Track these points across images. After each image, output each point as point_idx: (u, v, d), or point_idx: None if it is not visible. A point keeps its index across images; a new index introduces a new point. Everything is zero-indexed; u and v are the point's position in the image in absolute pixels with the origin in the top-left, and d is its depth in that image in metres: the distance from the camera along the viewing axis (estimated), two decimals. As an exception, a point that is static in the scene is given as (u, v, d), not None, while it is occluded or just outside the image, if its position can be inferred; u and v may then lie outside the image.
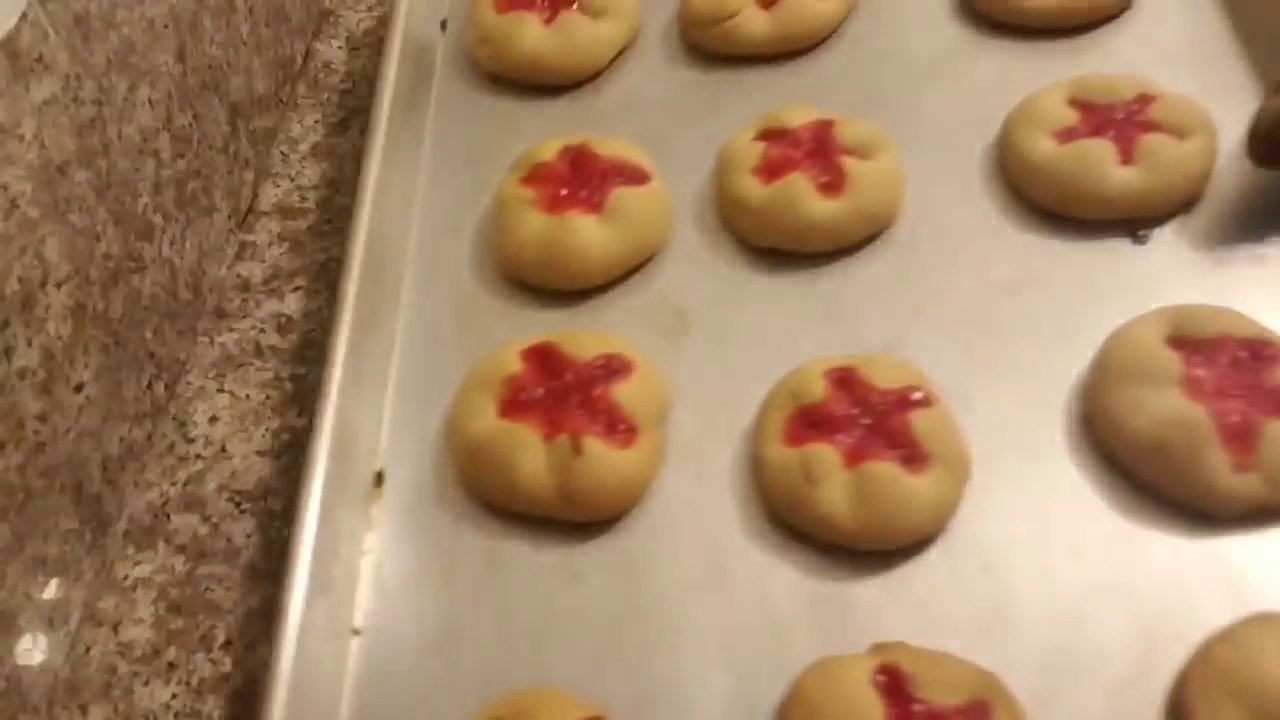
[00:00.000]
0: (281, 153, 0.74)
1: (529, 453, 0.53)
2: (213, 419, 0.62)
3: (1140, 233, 0.60)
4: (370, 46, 0.81)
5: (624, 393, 0.54)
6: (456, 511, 0.55)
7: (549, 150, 0.64)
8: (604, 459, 0.52)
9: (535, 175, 0.63)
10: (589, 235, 0.60)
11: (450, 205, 0.67)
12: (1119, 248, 0.60)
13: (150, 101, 0.60)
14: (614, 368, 0.55)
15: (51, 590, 0.52)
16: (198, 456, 0.60)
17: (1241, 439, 0.49)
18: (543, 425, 0.54)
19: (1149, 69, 0.65)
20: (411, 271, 0.64)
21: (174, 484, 0.59)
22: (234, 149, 0.69)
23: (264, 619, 0.54)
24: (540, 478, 0.53)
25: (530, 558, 0.53)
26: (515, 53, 0.71)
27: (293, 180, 0.73)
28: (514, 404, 0.55)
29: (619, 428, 0.54)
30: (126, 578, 0.56)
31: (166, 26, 0.62)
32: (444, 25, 0.77)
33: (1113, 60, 0.67)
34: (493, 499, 0.54)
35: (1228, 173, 0.61)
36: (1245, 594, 0.48)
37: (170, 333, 0.62)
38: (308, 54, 0.80)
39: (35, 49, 0.51)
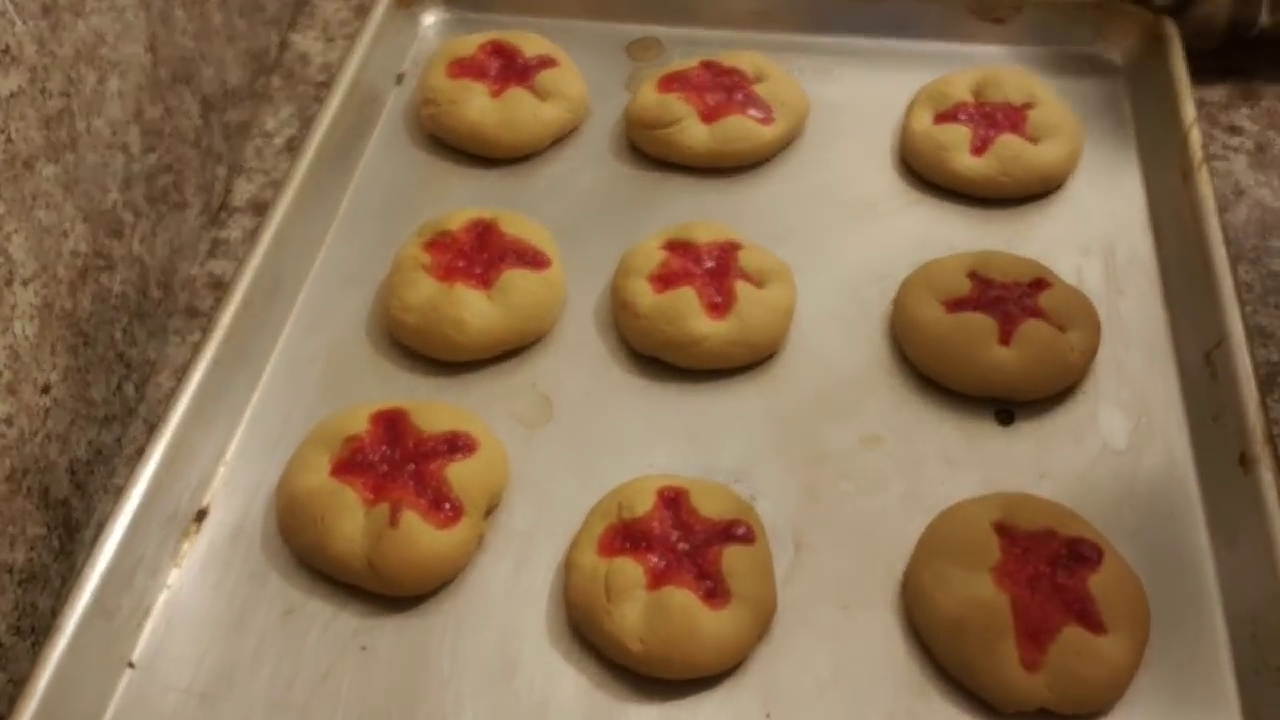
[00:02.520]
0: (256, 146, 0.74)
1: (348, 515, 0.53)
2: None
3: (1006, 413, 0.60)
4: (348, 38, 0.80)
5: (458, 472, 0.54)
6: (267, 563, 0.55)
7: (457, 220, 0.65)
8: (419, 535, 0.52)
9: (437, 242, 0.64)
10: (472, 309, 0.61)
11: (355, 257, 0.68)
12: (984, 424, 0.60)
13: (120, 94, 0.59)
14: (457, 445, 0.56)
15: (18, 599, 0.51)
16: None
17: (1037, 638, 0.48)
18: (369, 490, 0.54)
19: (1058, 251, 0.66)
20: (296, 315, 0.65)
21: None
22: (206, 142, 0.69)
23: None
24: (353, 542, 0.53)
25: (326, 622, 0.53)
26: (458, 119, 0.72)
27: (267, 175, 0.72)
28: (348, 465, 0.55)
29: (444, 506, 0.54)
30: None
31: (137, 16, 0.61)
32: (400, 79, 0.78)
33: (1027, 237, 0.68)
34: (305, 556, 0.54)
35: (1105, 368, 0.61)
36: (1008, 795, 0.47)
37: (140, 332, 0.61)
38: (283, 45, 0.80)
39: (2, 40, 0.50)
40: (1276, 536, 0.51)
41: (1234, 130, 0.68)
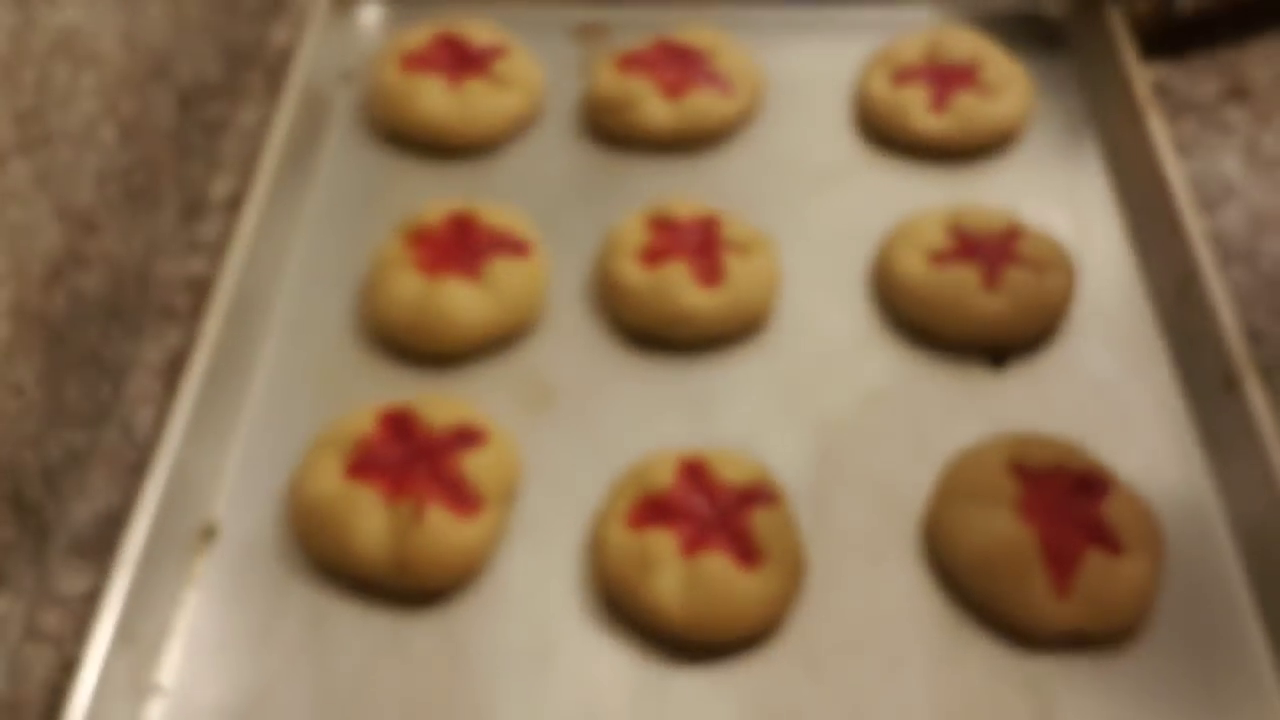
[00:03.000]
0: (234, 143, 0.71)
1: (370, 516, 0.52)
2: (137, 474, 0.56)
3: (999, 359, 0.62)
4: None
5: (474, 464, 0.54)
6: (287, 572, 0.53)
7: (435, 214, 0.64)
8: (444, 529, 0.52)
9: (417, 237, 0.63)
10: (462, 301, 0.60)
11: (330, 259, 0.67)
12: (979, 371, 0.61)
13: (94, 89, 0.58)
14: (468, 438, 0.55)
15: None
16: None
17: (1063, 565, 0.50)
18: (387, 489, 0.53)
19: (1024, 202, 0.68)
20: (278, 323, 0.63)
21: (118, 493, 0.56)
22: (183, 139, 0.67)
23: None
24: (377, 543, 0.52)
25: (356, 625, 0.52)
26: (415, 114, 0.71)
27: (245, 172, 0.69)
28: (361, 466, 0.54)
29: (465, 498, 0.53)
30: (69, 590, 0.53)
31: (111, 10, 0.59)
32: (347, 77, 0.77)
33: (992, 189, 0.70)
34: (327, 561, 0.53)
35: (1085, 308, 0.63)
36: (1054, 715, 0.48)
37: (116, 332, 0.59)
38: (261, 39, 0.78)
39: (-29, 33, 0.48)
40: (1270, 445, 0.53)
41: (1224, 128, 0.71)
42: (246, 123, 0.72)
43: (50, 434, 0.53)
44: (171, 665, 0.51)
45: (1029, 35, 0.78)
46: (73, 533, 0.54)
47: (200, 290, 0.63)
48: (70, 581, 0.53)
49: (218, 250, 0.65)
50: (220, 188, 0.69)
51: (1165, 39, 0.75)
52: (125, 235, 0.60)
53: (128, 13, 0.61)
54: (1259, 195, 0.67)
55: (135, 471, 0.56)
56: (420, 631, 0.52)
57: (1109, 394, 0.60)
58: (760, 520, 0.51)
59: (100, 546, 0.54)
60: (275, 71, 0.75)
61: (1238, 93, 0.74)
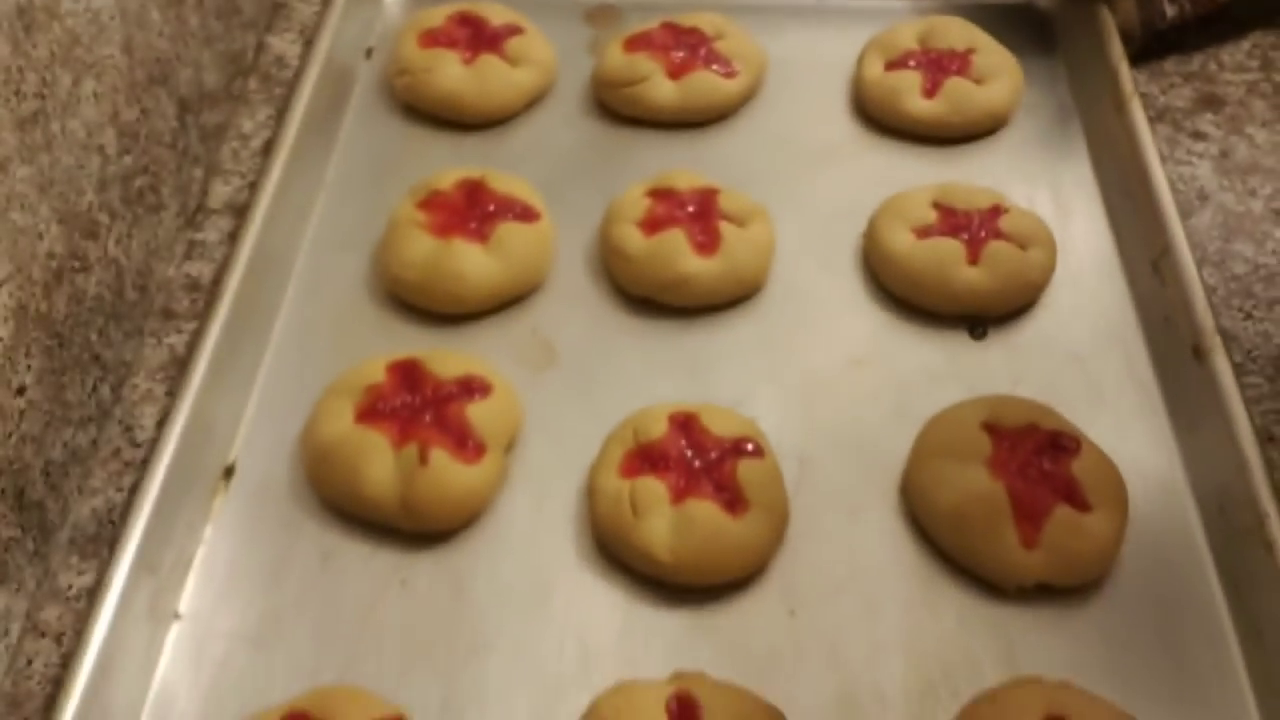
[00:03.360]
0: (232, 149, 0.73)
1: (378, 458, 0.55)
2: (159, 423, 0.59)
3: (979, 329, 0.64)
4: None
5: (478, 412, 0.57)
6: (300, 511, 0.57)
7: (447, 180, 0.67)
8: (448, 472, 0.55)
9: (430, 201, 0.66)
10: (471, 262, 0.63)
11: (348, 222, 0.70)
12: (959, 339, 0.64)
13: (95, 95, 0.59)
14: (473, 388, 0.58)
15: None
16: (144, 462, 0.57)
17: (1033, 519, 0.53)
18: (395, 434, 0.56)
19: (1010, 183, 0.71)
20: (297, 280, 0.67)
21: (119, 490, 0.57)
22: (183, 145, 0.69)
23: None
24: (385, 484, 0.55)
25: (363, 561, 0.55)
26: (432, 87, 0.74)
27: (244, 177, 0.72)
28: (371, 412, 0.57)
29: (468, 444, 0.56)
30: (70, 588, 0.54)
31: (113, 18, 0.61)
32: (369, 53, 0.80)
33: (979, 172, 0.72)
34: (337, 501, 0.56)
35: (1063, 284, 0.66)
36: (1018, 660, 0.52)
37: (116, 334, 0.61)
38: (260, 47, 0.80)
39: (-25, 42, 0.50)
40: (1233, 413, 0.56)
41: (1198, 136, 0.74)
42: (245, 129, 0.75)
43: (51, 433, 0.55)
44: (189, 594, 0.54)
45: (1021, 27, 0.81)
46: (74, 531, 0.56)
47: (200, 293, 0.65)
48: (71, 579, 0.54)
49: (217, 254, 0.67)
50: (219, 193, 0.71)
51: (1142, 48, 0.77)
52: (126, 239, 0.62)
53: (129, 21, 0.62)
54: (1231, 201, 0.70)
55: (136, 470, 0.58)
56: (423, 569, 0.55)
57: (1083, 363, 0.63)
58: (746, 471, 0.54)
59: (101, 544, 0.55)
60: (273, 79, 0.78)
61: (1211, 101, 0.76)
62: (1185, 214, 0.68)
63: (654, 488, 0.54)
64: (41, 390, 0.54)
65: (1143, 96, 0.74)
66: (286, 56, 0.79)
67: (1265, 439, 0.57)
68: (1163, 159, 0.70)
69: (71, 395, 0.57)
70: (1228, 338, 0.60)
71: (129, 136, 0.63)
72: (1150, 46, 0.78)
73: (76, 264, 0.57)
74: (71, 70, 0.57)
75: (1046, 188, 0.72)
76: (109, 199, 0.61)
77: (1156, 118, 0.74)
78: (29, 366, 0.53)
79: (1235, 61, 0.79)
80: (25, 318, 0.53)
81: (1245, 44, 0.80)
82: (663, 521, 0.53)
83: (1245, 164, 0.72)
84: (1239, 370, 0.59)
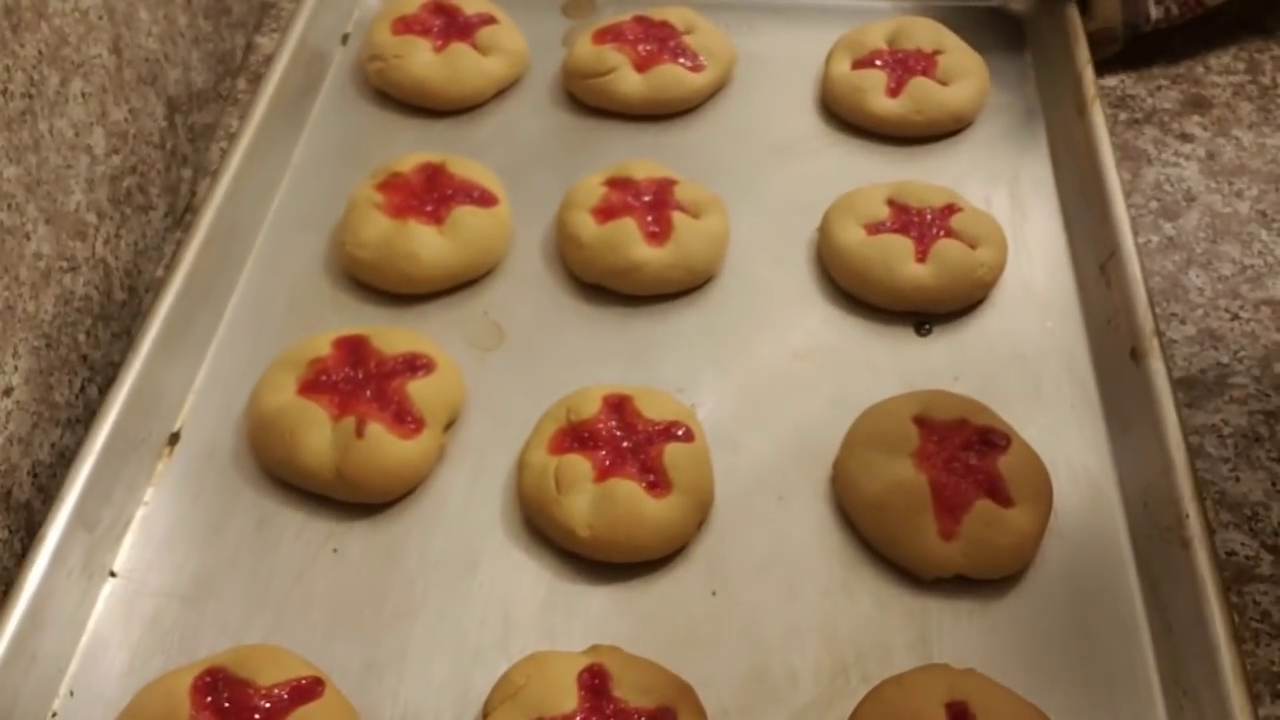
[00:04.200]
0: (221, 149, 0.74)
1: (316, 429, 0.57)
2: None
3: (924, 325, 0.65)
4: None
5: (418, 389, 0.58)
6: (240, 479, 0.58)
7: (408, 163, 0.69)
8: (384, 444, 0.56)
9: (389, 183, 0.68)
10: (425, 243, 0.65)
11: (311, 202, 0.71)
12: (905, 335, 0.65)
13: (84, 95, 0.60)
14: (416, 365, 0.59)
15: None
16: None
17: (953, 511, 0.53)
18: (335, 407, 0.57)
19: (968, 183, 0.71)
20: (256, 256, 0.68)
21: None
22: (171, 145, 0.69)
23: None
24: (322, 454, 0.56)
25: (298, 528, 0.56)
26: (403, 73, 0.76)
27: None
28: (314, 384, 0.58)
29: (406, 419, 0.57)
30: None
31: (101, 18, 0.62)
32: (345, 39, 0.82)
33: (939, 171, 0.73)
34: (276, 470, 0.58)
35: (1013, 283, 0.66)
36: (930, 648, 0.52)
37: (104, 334, 0.61)
38: (248, 47, 0.81)
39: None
40: (1164, 415, 0.56)
41: (1185, 138, 0.74)
42: (234, 129, 0.75)
43: (39, 434, 0.56)
44: (126, 553, 0.55)
45: (992, 28, 0.82)
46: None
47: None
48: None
49: None
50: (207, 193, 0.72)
51: (1125, 49, 0.78)
52: (114, 239, 0.63)
53: (117, 20, 0.63)
54: (1218, 202, 0.70)
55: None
56: (356, 538, 0.56)
57: (1025, 362, 0.63)
58: (674, 454, 0.55)
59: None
60: (261, 79, 0.78)
61: (1198, 103, 0.77)
62: (1172, 215, 0.68)
63: (579, 465, 0.55)
64: (29, 391, 0.55)
65: (1130, 98, 0.74)
66: (275, 56, 0.80)
67: (1252, 439, 0.58)
68: (1150, 160, 0.71)
69: (59, 396, 0.57)
70: (1213, 337, 0.60)
71: (117, 136, 0.64)
72: (1135, 48, 0.78)
73: (64, 264, 0.58)
74: (59, 70, 0.58)
75: (1005, 188, 0.72)
76: (97, 199, 0.61)
77: (1144, 119, 0.75)
78: (16, 367, 0.54)
79: (1222, 64, 0.79)
80: (12, 318, 0.53)
81: (1232, 47, 0.80)
82: (584, 498, 0.54)
83: (1232, 166, 0.73)
84: (1226, 371, 0.59)
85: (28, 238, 0.55)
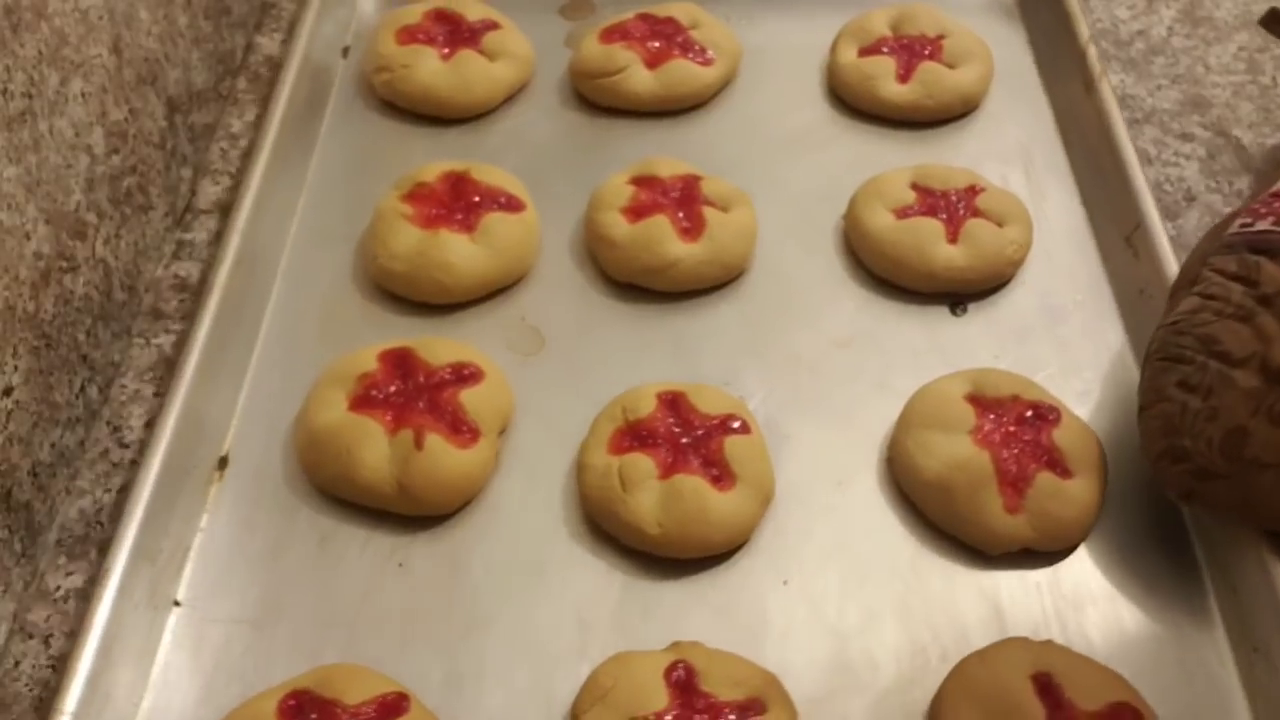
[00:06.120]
0: (221, 149, 0.74)
1: (372, 444, 0.56)
2: (148, 424, 0.60)
3: (959, 305, 0.66)
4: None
5: (471, 398, 0.58)
6: (295, 499, 0.57)
7: (432, 172, 0.68)
8: (443, 456, 0.56)
9: (415, 193, 0.67)
10: (458, 252, 0.64)
11: (332, 218, 0.70)
12: (940, 316, 0.66)
13: (83, 95, 0.59)
14: (464, 374, 0.59)
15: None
16: (132, 462, 0.58)
17: (1015, 485, 0.54)
18: (389, 420, 0.57)
19: (984, 163, 0.72)
20: (284, 275, 0.67)
21: (107, 491, 0.57)
22: (171, 144, 0.69)
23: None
24: (380, 469, 0.56)
25: (360, 545, 0.56)
26: (411, 83, 0.75)
27: (232, 177, 0.72)
28: (365, 399, 0.58)
29: (462, 429, 0.57)
30: (58, 589, 0.54)
31: (101, 18, 0.61)
32: (346, 52, 0.81)
33: (954, 153, 0.74)
34: (332, 487, 0.57)
35: (1038, 260, 0.67)
36: (1005, 622, 0.53)
37: (104, 334, 0.61)
38: (249, 47, 0.80)
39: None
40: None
41: (1185, 137, 0.75)
42: (234, 129, 0.75)
43: (39, 434, 0.55)
44: (188, 582, 0.54)
45: (989, 11, 0.83)
46: (61, 532, 0.56)
47: (188, 294, 0.66)
48: (59, 580, 0.54)
49: (205, 254, 0.68)
50: (208, 193, 0.71)
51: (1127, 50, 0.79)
52: (114, 239, 0.62)
53: (117, 20, 0.63)
54: (1219, 202, 0.71)
55: (123, 470, 0.58)
56: (419, 551, 0.56)
57: (1059, 337, 0.64)
58: (733, 446, 0.56)
59: (90, 545, 0.55)
60: (261, 79, 0.78)
61: (1198, 103, 0.78)
62: (1172, 215, 0.69)
63: (642, 463, 0.55)
64: (29, 391, 0.54)
65: (1130, 98, 0.76)
66: (275, 56, 0.80)
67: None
68: (1150, 160, 0.72)
69: (59, 396, 0.57)
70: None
71: (117, 136, 0.63)
72: (1135, 49, 0.78)
73: (64, 264, 0.57)
74: (59, 70, 0.57)
75: (1020, 167, 0.73)
76: (97, 199, 0.61)
77: (1144, 119, 0.76)
78: (16, 367, 0.53)
79: (1222, 64, 0.80)
80: (12, 318, 0.53)
81: (1231, 46, 0.82)
82: (650, 496, 0.54)
83: (1232, 166, 0.74)
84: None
85: (28, 238, 0.54)
